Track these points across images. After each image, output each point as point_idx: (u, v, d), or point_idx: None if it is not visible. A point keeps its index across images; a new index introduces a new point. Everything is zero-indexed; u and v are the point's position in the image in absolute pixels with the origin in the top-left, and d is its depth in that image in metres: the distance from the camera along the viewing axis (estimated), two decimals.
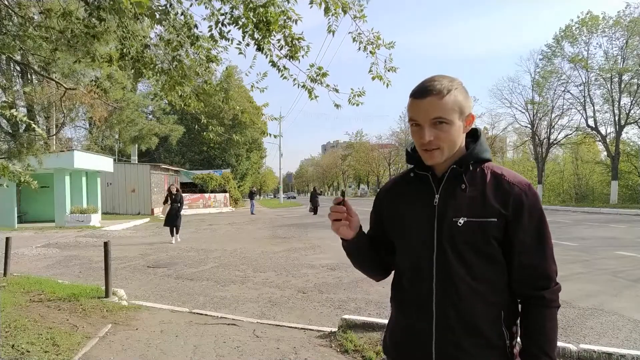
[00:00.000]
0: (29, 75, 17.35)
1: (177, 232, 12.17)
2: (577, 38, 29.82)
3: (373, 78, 4.01)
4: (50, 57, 5.04)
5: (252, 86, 4.48)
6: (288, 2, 3.67)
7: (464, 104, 1.23)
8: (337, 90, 4.15)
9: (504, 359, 1.24)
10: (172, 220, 12.10)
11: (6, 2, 4.88)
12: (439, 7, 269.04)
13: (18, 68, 17.32)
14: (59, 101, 15.41)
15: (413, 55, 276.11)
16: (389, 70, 4.03)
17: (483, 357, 1.21)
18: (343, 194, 1.42)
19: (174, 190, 12.19)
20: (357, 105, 4.22)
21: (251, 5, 3.58)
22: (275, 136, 5.12)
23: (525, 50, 57.52)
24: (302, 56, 3.93)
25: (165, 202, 12.46)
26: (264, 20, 3.60)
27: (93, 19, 3.82)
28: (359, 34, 3.88)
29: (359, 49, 3.92)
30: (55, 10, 4.25)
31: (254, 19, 3.61)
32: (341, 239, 1.38)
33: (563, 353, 3.53)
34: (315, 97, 4.26)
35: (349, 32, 3.89)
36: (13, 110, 2.82)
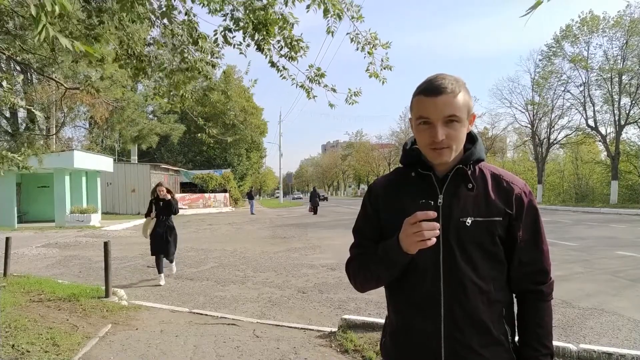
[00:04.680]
0: (29, 75, 17.35)
1: (171, 260, 7.30)
2: (578, 38, 29.78)
3: (370, 76, 4.11)
4: (50, 56, 5.04)
5: (245, 72, 4.53)
6: (286, 6, 3.70)
7: (470, 103, 1.24)
8: (334, 90, 4.23)
9: (508, 355, 1.25)
10: (162, 245, 6.89)
11: (7, 2, 4.87)
12: (438, 7, 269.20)
13: (18, 68, 17.32)
14: (59, 101, 15.41)
15: (412, 55, 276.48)
16: (384, 69, 4.10)
17: (491, 355, 1.22)
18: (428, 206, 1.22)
19: (162, 194, 6.93)
20: (353, 104, 4.33)
21: (251, 7, 3.60)
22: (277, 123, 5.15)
23: (525, 49, 57.47)
24: (301, 56, 3.98)
25: (147, 213, 7.20)
26: (263, 22, 3.62)
27: (92, 21, 3.82)
28: (357, 34, 3.92)
29: (357, 49, 3.97)
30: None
31: (254, 21, 3.63)
32: (403, 253, 1.18)
33: (563, 353, 3.53)
34: (314, 97, 4.33)
35: (347, 33, 3.96)
36: (12, 97, 2.83)
